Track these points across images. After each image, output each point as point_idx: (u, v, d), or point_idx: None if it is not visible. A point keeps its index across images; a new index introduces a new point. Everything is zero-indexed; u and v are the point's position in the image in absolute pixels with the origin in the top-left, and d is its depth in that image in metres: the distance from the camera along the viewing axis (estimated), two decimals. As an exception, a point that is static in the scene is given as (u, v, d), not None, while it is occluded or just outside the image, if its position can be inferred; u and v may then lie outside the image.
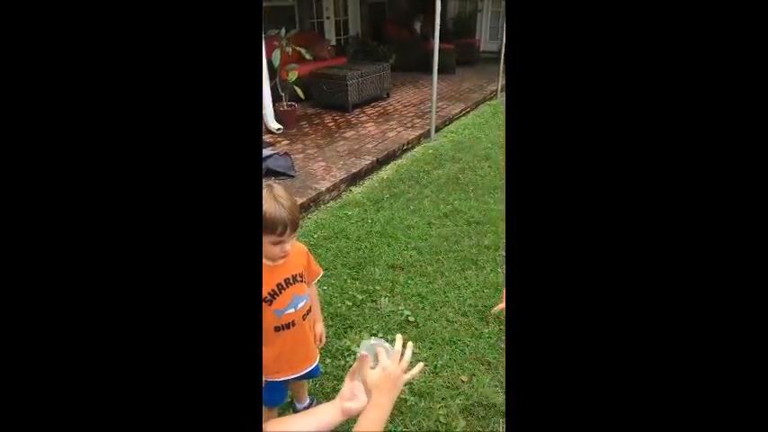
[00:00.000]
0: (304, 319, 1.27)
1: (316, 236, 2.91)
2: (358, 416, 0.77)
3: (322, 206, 3.37)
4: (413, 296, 2.32)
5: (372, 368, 0.79)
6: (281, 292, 1.20)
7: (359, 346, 0.84)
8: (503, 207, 3.21)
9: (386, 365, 0.78)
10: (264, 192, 1.07)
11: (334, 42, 7.39)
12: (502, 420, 1.65)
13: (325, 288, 2.35)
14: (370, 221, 3.09)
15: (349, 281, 2.44)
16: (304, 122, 5.17)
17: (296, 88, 4.83)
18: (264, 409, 1.40)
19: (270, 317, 1.19)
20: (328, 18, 7.44)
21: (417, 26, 8.47)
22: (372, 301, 2.30)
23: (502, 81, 6.89)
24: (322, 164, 3.92)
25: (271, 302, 1.18)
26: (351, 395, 0.82)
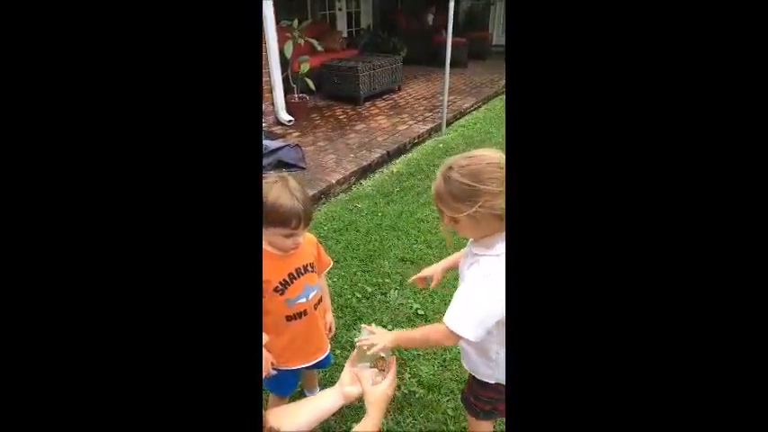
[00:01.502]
0: (315, 309, 1.27)
1: (326, 228, 2.91)
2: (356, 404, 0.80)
3: (332, 198, 3.38)
4: (422, 290, 2.32)
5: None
6: (292, 282, 1.20)
7: (359, 332, 0.86)
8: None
9: (385, 387, 0.84)
10: (279, 184, 1.08)
11: (345, 34, 7.36)
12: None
13: (335, 280, 2.36)
14: (380, 214, 3.09)
15: (359, 273, 2.45)
16: (315, 114, 5.17)
17: (307, 80, 4.83)
18: (275, 397, 1.41)
19: (281, 306, 1.20)
20: (340, 10, 7.41)
21: (429, 19, 8.40)
22: (382, 293, 2.30)
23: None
24: (332, 156, 3.91)
25: (282, 292, 1.19)
26: (351, 381, 0.85)
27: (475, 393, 1.22)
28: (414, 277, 1.33)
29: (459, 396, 1.47)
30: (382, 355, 0.83)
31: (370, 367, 0.85)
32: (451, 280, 2.38)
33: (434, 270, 1.29)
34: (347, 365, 0.88)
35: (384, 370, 0.84)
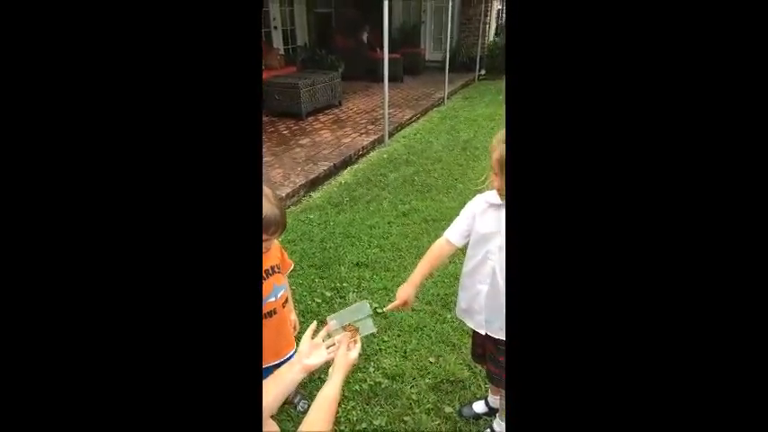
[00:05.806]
0: (284, 307, 1.35)
1: (280, 239, 2.95)
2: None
3: (283, 211, 3.41)
4: (379, 290, 2.44)
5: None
6: (261, 283, 1.27)
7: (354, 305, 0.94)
8: (457, 205, 3.42)
9: (356, 354, 0.89)
10: None
11: (282, 51, 7.42)
12: (465, 392, 1.81)
13: (294, 288, 2.41)
14: (332, 224, 3.18)
15: (317, 280, 2.52)
16: (258, 131, 5.16)
17: (248, 97, 4.82)
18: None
19: (253, 306, 1.26)
20: (275, 28, 7.47)
21: (364, 36, 8.68)
22: (341, 297, 2.39)
23: (448, 89, 7.22)
24: (280, 171, 3.96)
25: (253, 293, 1.25)
26: (309, 352, 0.88)
27: (494, 360, 1.41)
28: (390, 306, 1.39)
29: (486, 376, 1.62)
30: (356, 324, 0.92)
31: (343, 331, 0.92)
32: (406, 278, 2.52)
33: (407, 293, 1.37)
34: (306, 338, 0.90)
35: (354, 339, 0.92)
